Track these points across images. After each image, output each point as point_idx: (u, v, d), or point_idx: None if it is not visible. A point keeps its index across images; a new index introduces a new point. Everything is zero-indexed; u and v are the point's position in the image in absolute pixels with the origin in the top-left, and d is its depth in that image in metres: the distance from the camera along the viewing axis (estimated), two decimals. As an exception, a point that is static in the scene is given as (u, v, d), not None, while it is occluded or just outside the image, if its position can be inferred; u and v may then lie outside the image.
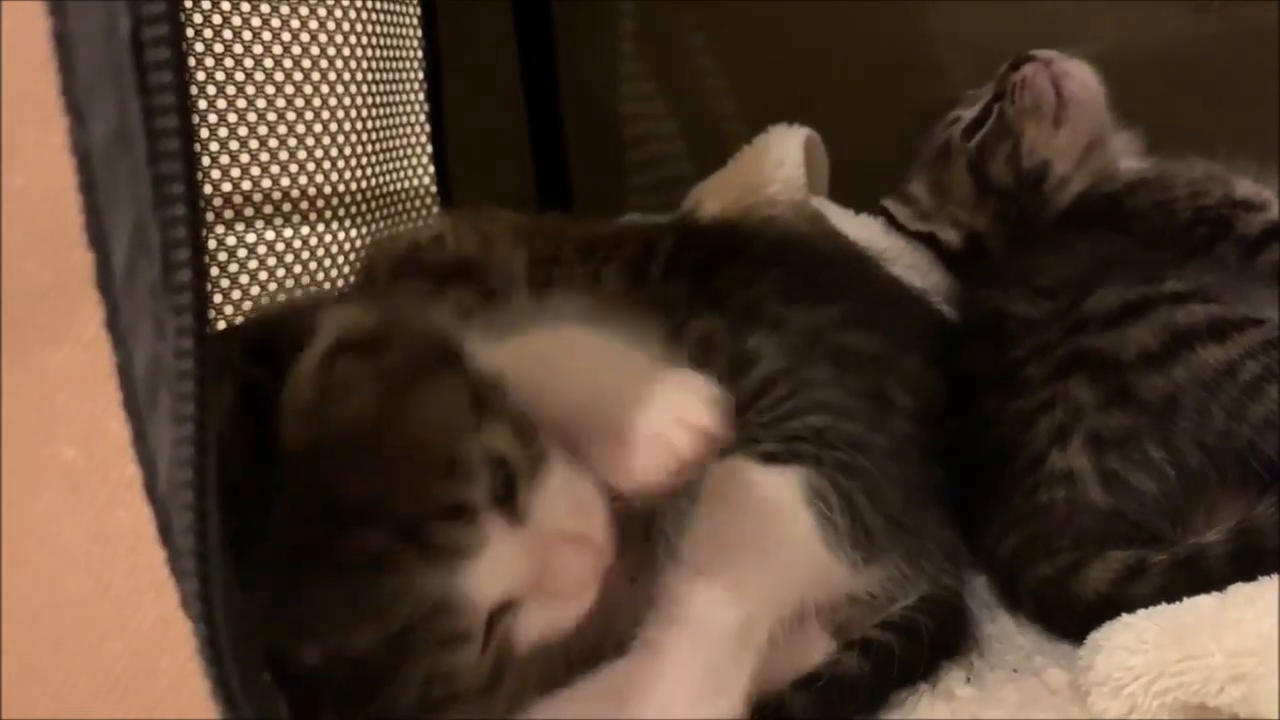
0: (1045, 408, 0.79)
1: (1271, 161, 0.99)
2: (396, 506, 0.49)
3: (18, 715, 0.44)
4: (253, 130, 0.99)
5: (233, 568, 0.38)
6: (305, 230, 1.05)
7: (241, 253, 0.99)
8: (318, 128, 1.06)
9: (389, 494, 0.49)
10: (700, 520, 0.66)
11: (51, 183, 0.38)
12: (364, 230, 1.12)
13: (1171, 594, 0.67)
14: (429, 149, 1.24)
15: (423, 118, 1.24)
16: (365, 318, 0.55)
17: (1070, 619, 0.73)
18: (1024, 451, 0.79)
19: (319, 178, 1.06)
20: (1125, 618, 0.67)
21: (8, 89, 0.37)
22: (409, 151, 1.22)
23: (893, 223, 1.16)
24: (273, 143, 1.01)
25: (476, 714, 0.54)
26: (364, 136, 1.12)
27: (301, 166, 1.04)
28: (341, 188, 1.09)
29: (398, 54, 1.19)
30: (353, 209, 1.11)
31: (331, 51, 1.06)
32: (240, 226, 0.99)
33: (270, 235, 1.02)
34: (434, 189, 1.25)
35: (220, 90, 0.95)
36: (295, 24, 1.01)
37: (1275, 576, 0.66)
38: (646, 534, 0.68)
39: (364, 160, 1.12)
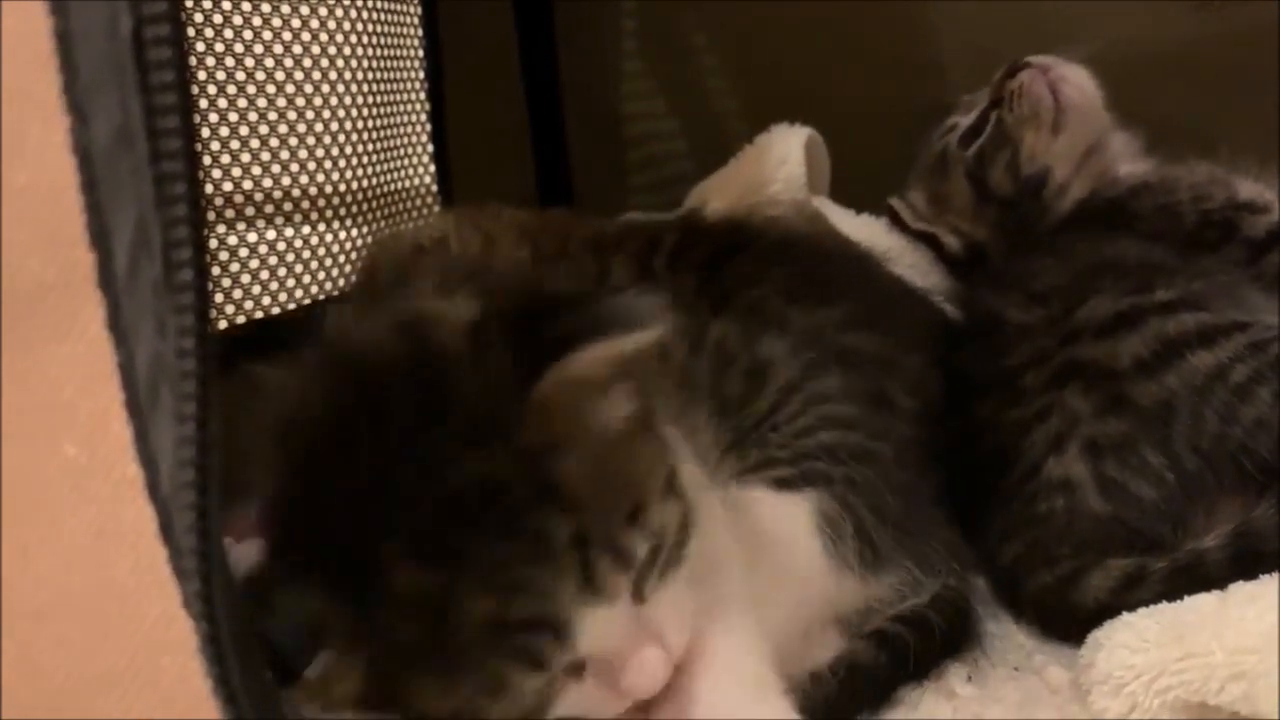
0: (1041, 416, 0.80)
1: (1273, 160, 0.99)
2: (582, 514, 0.51)
3: (21, 712, 0.44)
4: (254, 130, 0.99)
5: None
6: (306, 230, 1.05)
7: (243, 252, 0.99)
8: (319, 127, 1.06)
9: (584, 501, 0.51)
10: (713, 551, 0.66)
11: (54, 181, 0.38)
12: (365, 230, 1.12)
13: (1172, 601, 0.67)
14: (429, 148, 1.23)
15: (423, 117, 1.24)
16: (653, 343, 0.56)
17: (1071, 627, 0.73)
18: (1021, 459, 0.80)
19: (320, 177, 1.06)
20: (1126, 616, 0.67)
21: (9, 87, 0.37)
22: (410, 150, 1.22)
23: (897, 221, 1.16)
24: (274, 142, 1.01)
25: None
26: (365, 136, 1.12)
27: (302, 166, 1.04)
28: (343, 187, 1.09)
29: (398, 53, 1.19)
30: (354, 208, 1.11)
31: (332, 51, 1.06)
32: (241, 226, 0.99)
33: (271, 235, 1.01)
34: (435, 188, 1.25)
35: (221, 90, 0.95)
36: (296, 23, 1.01)
37: (1276, 575, 0.66)
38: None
39: (364, 160, 1.12)
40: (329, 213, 1.08)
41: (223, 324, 0.95)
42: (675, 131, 1.44)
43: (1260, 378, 0.75)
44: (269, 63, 0.99)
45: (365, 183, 1.13)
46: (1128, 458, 0.76)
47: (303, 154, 1.03)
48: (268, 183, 1.00)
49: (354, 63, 1.09)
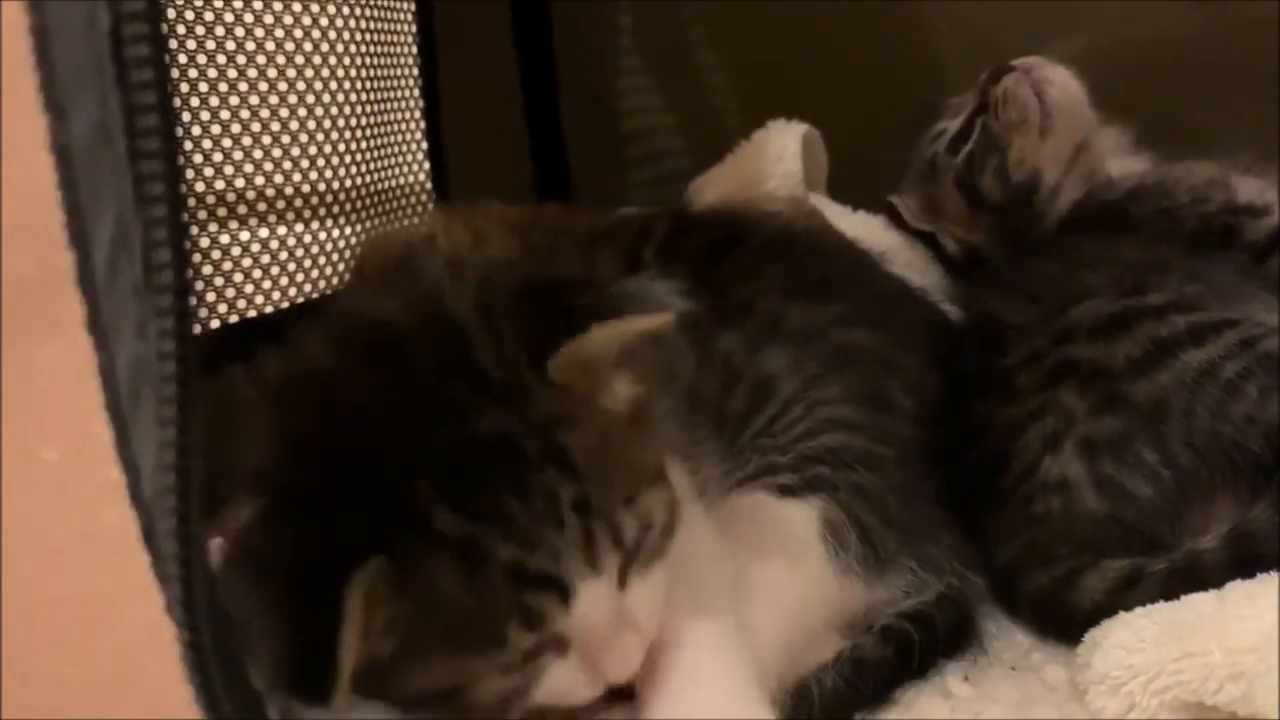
0: (1036, 415, 0.80)
1: (1273, 158, 0.98)
2: (584, 483, 0.53)
3: (9, 715, 0.43)
4: (246, 127, 0.98)
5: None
6: (300, 228, 1.04)
7: (235, 251, 0.98)
8: (311, 124, 1.05)
9: (587, 473, 0.53)
10: (716, 557, 0.68)
11: (38, 179, 0.38)
12: (358, 228, 1.11)
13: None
14: (424, 145, 1.22)
15: (418, 114, 1.23)
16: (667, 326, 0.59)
17: (1067, 629, 0.73)
18: (1017, 459, 0.80)
19: (313, 175, 1.05)
20: (1124, 616, 0.67)
21: (-6, 85, 0.37)
22: (404, 148, 1.21)
23: (896, 219, 1.15)
24: (265, 140, 0.99)
25: None
26: (358, 133, 1.11)
27: (295, 164, 1.03)
28: (336, 185, 1.08)
29: (392, 49, 1.18)
30: (346, 207, 1.10)
31: (325, 47, 1.05)
32: (234, 225, 0.98)
33: (264, 233, 1.00)
34: (429, 185, 1.24)
35: (213, 87, 0.94)
36: (288, 20, 1.00)
37: (1274, 574, 0.66)
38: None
39: (358, 157, 1.11)
40: (322, 211, 1.07)
41: (215, 323, 0.94)
42: (672, 127, 1.43)
43: (1249, 374, 0.75)
44: (260, 59, 0.98)
45: (358, 181, 1.12)
46: (1123, 455, 0.76)
47: (295, 152, 1.02)
48: (260, 181, 0.99)
49: (346, 59, 1.08)
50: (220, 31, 0.93)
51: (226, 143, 0.96)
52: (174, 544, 0.35)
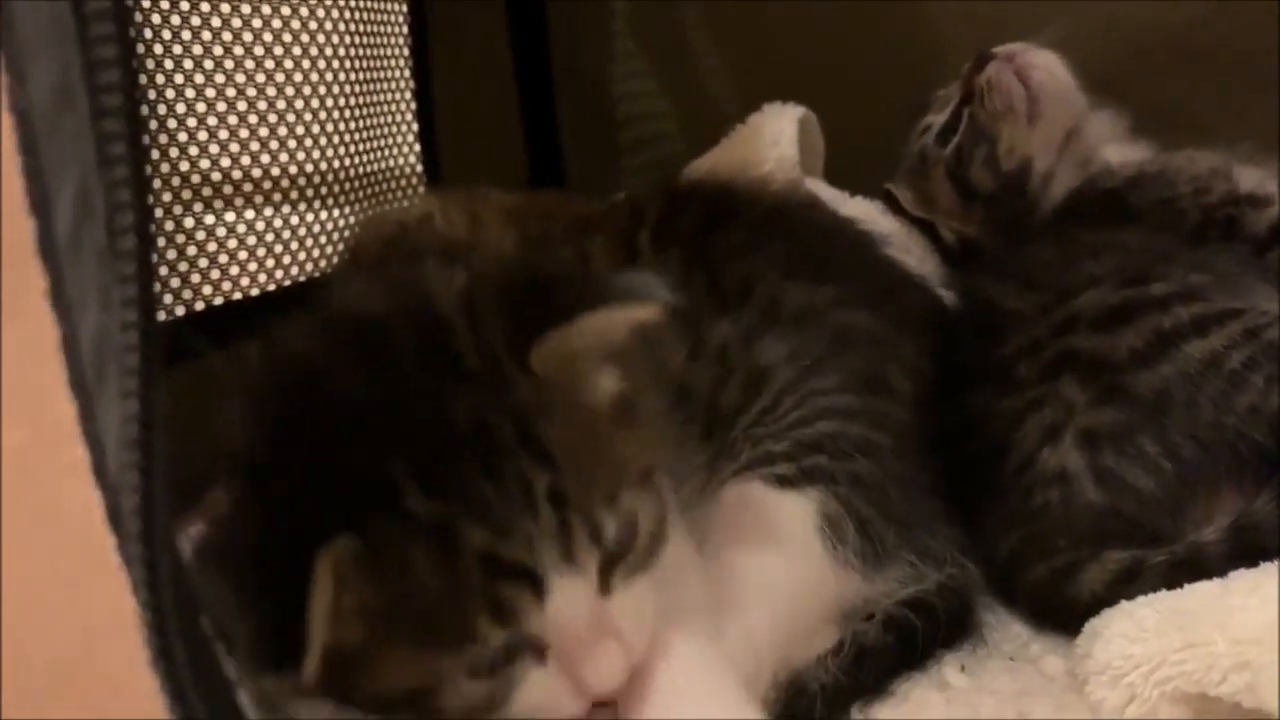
0: (1035, 406, 0.79)
1: (1272, 144, 0.97)
2: (560, 475, 0.51)
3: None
4: (232, 107, 0.96)
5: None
6: (287, 210, 1.03)
7: (222, 234, 0.96)
8: (298, 105, 1.03)
9: (564, 465, 0.52)
10: (714, 550, 0.67)
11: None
12: (347, 212, 1.09)
13: (1169, 596, 0.66)
14: (415, 128, 1.21)
15: (409, 96, 1.22)
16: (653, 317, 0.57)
17: (1066, 621, 0.72)
18: (1015, 451, 0.79)
19: (300, 156, 1.04)
20: (1124, 605, 0.66)
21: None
22: (394, 131, 1.19)
23: (895, 207, 1.14)
24: (252, 121, 0.98)
25: None
26: (346, 115, 1.09)
27: (283, 146, 1.01)
28: (324, 167, 1.07)
29: (381, 30, 1.16)
30: (335, 190, 1.09)
31: (313, 26, 1.03)
32: (222, 208, 0.96)
33: (250, 215, 0.99)
34: (420, 169, 1.22)
35: (198, 65, 0.92)
36: (276, -1, 0.99)
37: (1278, 563, 0.64)
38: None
39: (346, 140, 1.10)
40: (310, 193, 1.06)
41: (200, 306, 0.93)
42: (667, 112, 1.42)
43: (1254, 364, 0.74)
44: (247, 36, 0.96)
45: (347, 164, 1.10)
46: (1124, 447, 0.75)
47: (282, 134, 1.01)
48: (246, 163, 0.98)
49: (334, 39, 1.06)
50: (205, 7, 0.92)
51: (213, 123, 0.94)
52: (138, 522, 0.33)
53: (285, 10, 1.00)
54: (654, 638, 0.57)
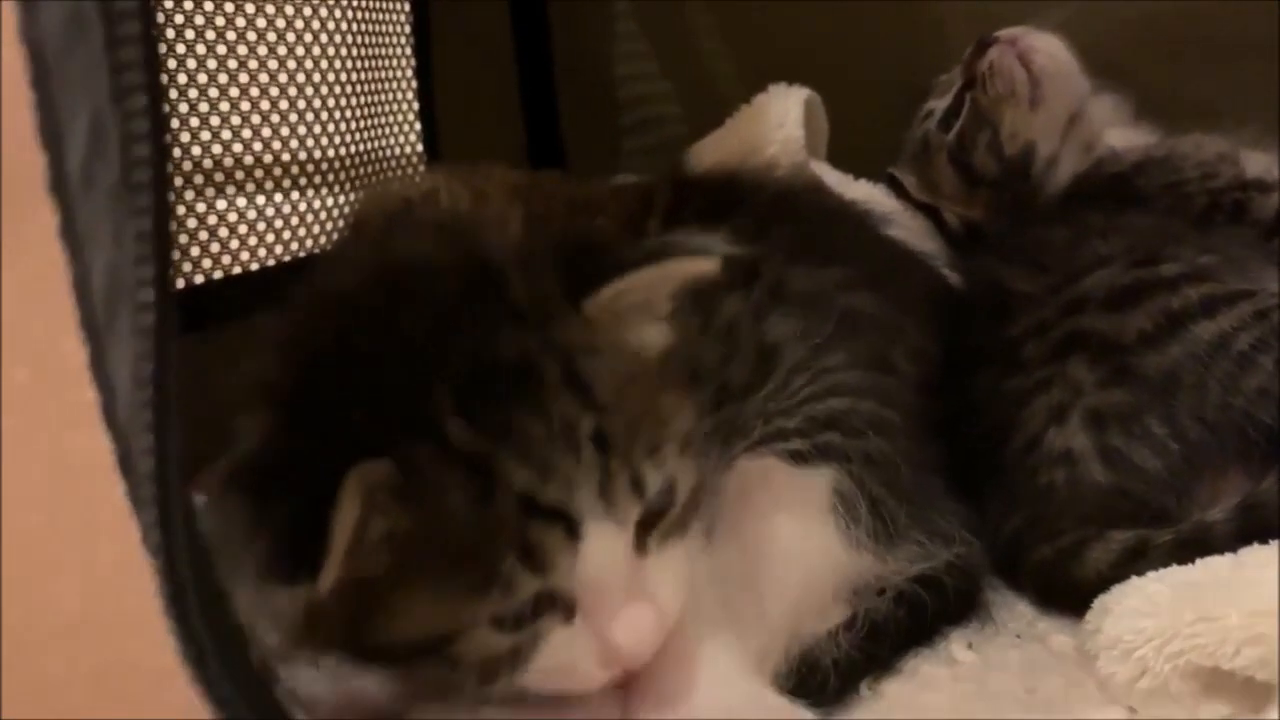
0: (1042, 386, 0.78)
1: (1275, 128, 0.97)
2: (605, 417, 0.50)
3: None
4: (244, 92, 0.96)
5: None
6: (295, 195, 1.03)
7: (232, 217, 0.96)
8: (309, 90, 1.03)
9: (609, 408, 0.51)
10: (729, 523, 0.67)
11: (6, 76, 0.35)
12: (350, 196, 1.09)
13: (1176, 575, 0.66)
14: (415, 107, 1.20)
15: (410, 79, 1.21)
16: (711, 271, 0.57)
17: (1071, 601, 0.71)
18: (1021, 431, 0.78)
19: (309, 142, 1.04)
20: (1135, 580, 0.65)
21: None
22: (395, 114, 1.19)
23: (899, 190, 1.14)
24: (260, 104, 0.98)
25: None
26: (349, 99, 1.09)
27: (290, 129, 1.01)
28: (331, 152, 1.06)
29: (383, 14, 1.15)
30: (340, 174, 1.08)
31: (307, 12, 1.02)
32: (211, 193, 0.96)
33: (261, 200, 0.99)
34: (420, 150, 1.21)
35: (210, 49, 0.93)
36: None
37: None
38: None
39: (349, 124, 1.09)
40: (317, 178, 1.05)
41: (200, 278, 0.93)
42: (669, 94, 1.40)
43: (1263, 346, 0.74)
44: (261, 21, 0.97)
45: (350, 148, 1.10)
46: (1131, 427, 0.75)
47: (276, 119, 1.00)
48: (251, 148, 0.97)
49: (330, 24, 1.05)
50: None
51: (224, 107, 0.94)
52: (149, 462, 0.32)
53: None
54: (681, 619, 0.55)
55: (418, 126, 1.21)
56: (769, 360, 0.74)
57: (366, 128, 1.13)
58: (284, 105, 1.01)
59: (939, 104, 1.10)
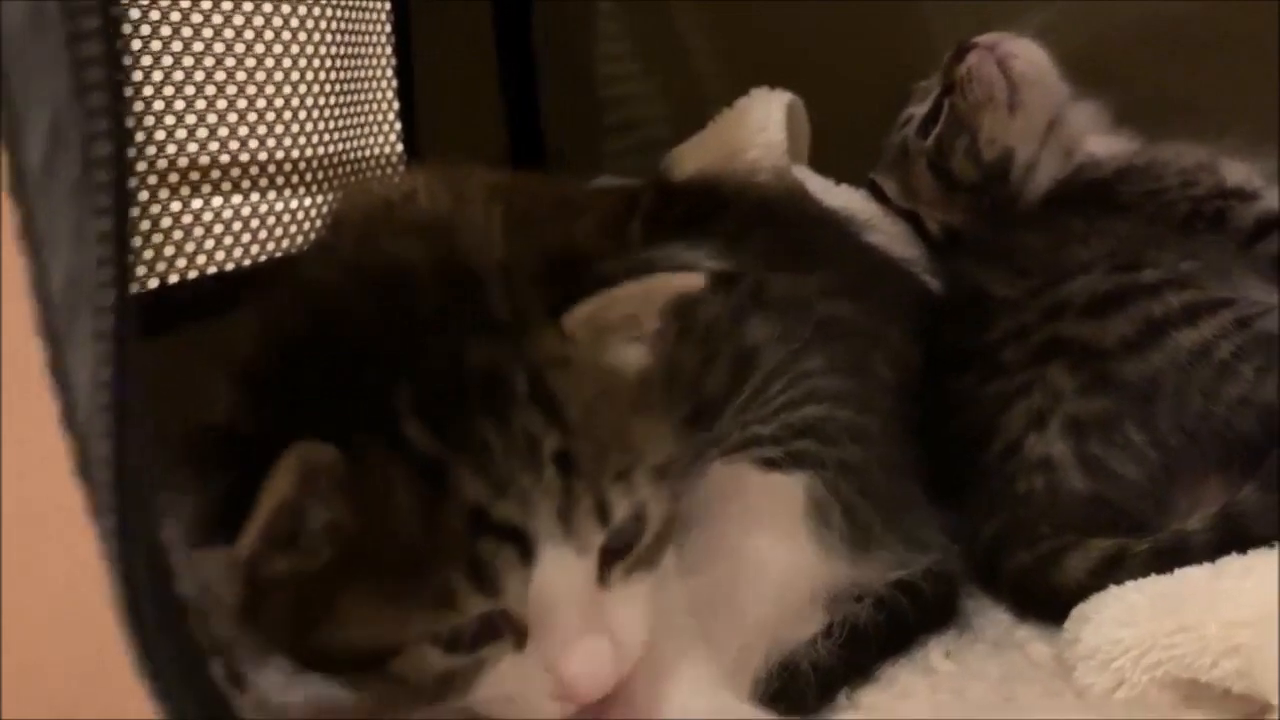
0: (1022, 392, 0.78)
1: (1259, 132, 0.97)
2: (571, 437, 0.49)
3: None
4: (220, 90, 0.95)
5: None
6: (272, 196, 1.01)
7: (208, 216, 0.95)
8: (286, 89, 1.01)
9: (577, 427, 0.49)
10: (702, 529, 0.66)
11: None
12: (328, 197, 1.07)
13: (1154, 584, 0.66)
14: (395, 106, 1.19)
15: (390, 76, 1.19)
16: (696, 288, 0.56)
17: (1049, 609, 0.71)
18: (1000, 436, 0.78)
19: (288, 141, 1.02)
20: (1114, 590, 0.65)
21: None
22: (374, 114, 1.17)
23: (880, 196, 1.14)
24: (242, 103, 0.97)
25: None
26: (327, 99, 1.07)
27: (270, 130, 1.00)
28: (309, 152, 1.05)
29: (362, 11, 1.14)
30: (318, 174, 1.07)
31: (285, 10, 1.01)
32: (207, 190, 0.95)
33: (237, 200, 0.98)
34: (400, 150, 1.20)
35: (187, 46, 0.91)
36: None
37: (1272, 547, 0.64)
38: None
39: (327, 124, 1.08)
40: (294, 179, 1.04)
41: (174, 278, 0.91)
42: (652, 94, 1.40)
43: (1244, 354, 0.74)
44: (216, 19, 0.94)
45: (326, 149, 1.08)
46: (1111, 435, 0.75)
47: (253, 118, 0.99)
48: (217, 146, 0.96)
49: (309, 23, 1.04)
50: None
51: (200, 105, 0.93)
52: (108, 470, 0.31)
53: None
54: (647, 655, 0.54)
55: (398, 126, 1.19)
56: (746, 365, 0.74)
57: (345, 127, 1.12)
58: (260, 104, 0.99)
59: (918, 110, 1.09)
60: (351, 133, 1.13)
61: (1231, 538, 0.68)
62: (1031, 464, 0.77)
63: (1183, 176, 0.96)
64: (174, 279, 0.91)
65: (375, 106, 1.18)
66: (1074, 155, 1.04)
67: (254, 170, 1.00)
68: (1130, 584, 0.65)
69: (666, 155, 1.21)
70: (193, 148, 0.93)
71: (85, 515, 0.35)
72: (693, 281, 0.55)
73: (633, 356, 0.56)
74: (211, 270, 0.95)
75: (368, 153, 1.16)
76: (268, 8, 0.99)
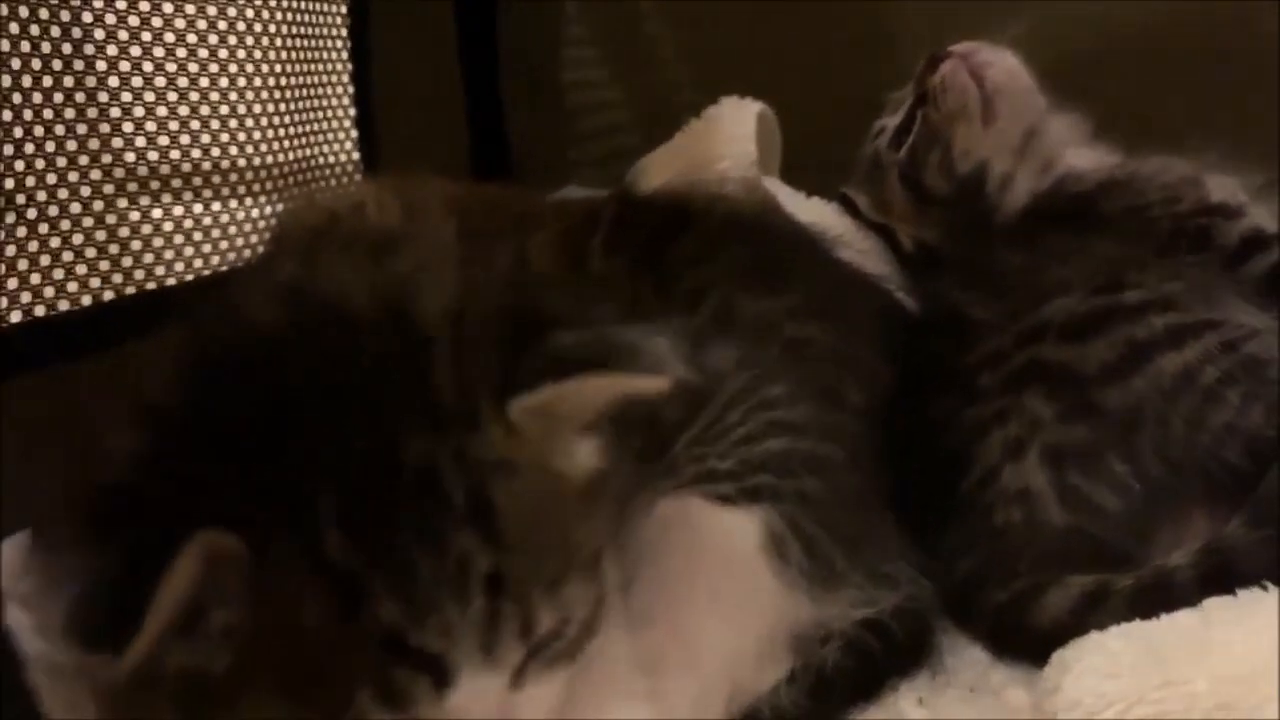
0: (999, 419, 0.76)
1: (1242, 144, 0.95)
2: (504, 556, 0.46)
3: None
4: (162, 95, 0.92)
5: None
6: (216, 206, 0.98)
7: (146, 229, 0.92)
8: (233, 95, 0.98)
9: (512, 542, 0.46)
10: (651, 568, 0.63)
11: None
12: (278, 207, 1.04)
13: (1136, 623, 0.63)
14: (352, 113, 1.15)
15: (346, 83, 1.16)
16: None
17: (1027, 650, 0.69)
18: (976, 464, 0.76)
19: (234, 149, 0.99)
20: (1096, 636, 0.62)
21: None
22: (330, 121, 1.14)
23: (852, 210, 1.11)
24: (184, 109, 0.94)
25: None
26: (279, 104, 1.04)
27: (214, 136, 0.97)
28: (257, 161, 1.02)
29: (316, 15, 1.11)
30: (270, 182, 1.04)
31: (232, 12, 0.98)
32: (146, 201, 0.92)
33: (179, 211, 0.95)
34: (356, 158, 1.17)
35: (146, 51, 0.89)
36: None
37: (1266, 591, 0.61)
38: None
39: (279, 130, 1.05)
40: (240, 188, 1.01)
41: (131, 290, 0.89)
42: (620, 102, 1.38)
43: (1230, 379, 0.72)
44: (179, 23, 0.92)
45: (278, 156, 1.05)
46: (1091, 465, 0.73)
47: (195, 125, 0.96)
48: (159, 154, 0.93)
49: (257, 26, 1.01)
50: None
51: (140, 113, 0.90)
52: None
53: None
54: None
55: (354, 134, 1.16)
56: (705, 392, 0.70)
57: (299, 134, 1.08)
58: (205, 110, 0.96)
59: (891, 121, 1.07)
60: (306, 140, 1.10)
61: (1217, 575, 0.66)
62: (1009, 495, 0.74)
63: (1165, 192, 0.94)
64: (130, 290, 0.89)
65: (331, 113, 1.15)
66: (1052, 168, 1.02)
67: (209, 178, 0.97)
68: (1114, 630, 0.62)
69: (634, 165, 1.19)
70: (149, 155, 0.91)
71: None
72: (656, 385, 0.52)
73: (584, 455, 0.53)
74: (170, 281, 0.93)
75: (323, 160, 1.14)
76: (212, 10, 0.96)
